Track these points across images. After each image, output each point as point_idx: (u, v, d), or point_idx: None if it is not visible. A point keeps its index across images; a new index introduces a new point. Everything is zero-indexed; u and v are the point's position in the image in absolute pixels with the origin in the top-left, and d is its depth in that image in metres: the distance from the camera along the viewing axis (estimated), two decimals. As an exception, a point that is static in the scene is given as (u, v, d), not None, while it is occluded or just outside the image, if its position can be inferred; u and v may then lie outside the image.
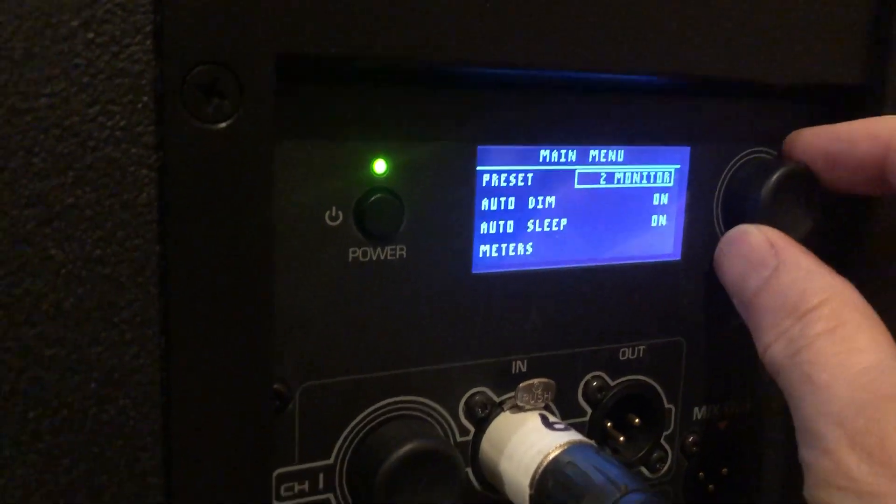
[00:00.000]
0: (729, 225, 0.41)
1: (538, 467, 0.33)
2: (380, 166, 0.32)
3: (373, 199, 0.32)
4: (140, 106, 0.26)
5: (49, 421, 0.26)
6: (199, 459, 0.28)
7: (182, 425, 0.28)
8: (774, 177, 0.39)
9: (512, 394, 0.37)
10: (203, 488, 0.28)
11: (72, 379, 0.26)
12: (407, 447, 0.32)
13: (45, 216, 0.25)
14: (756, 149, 0.41)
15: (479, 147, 0.34)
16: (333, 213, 0.32)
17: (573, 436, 0.34)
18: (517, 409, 0.36)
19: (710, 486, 0.43)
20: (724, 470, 0.43)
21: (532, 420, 0.35)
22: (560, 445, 0.33)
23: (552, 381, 0.37)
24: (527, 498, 0.33)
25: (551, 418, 0.36)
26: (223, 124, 0.26)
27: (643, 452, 0.41)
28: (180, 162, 0.26)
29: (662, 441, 0.41)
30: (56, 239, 0.25)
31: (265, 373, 0.29)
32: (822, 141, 0.39)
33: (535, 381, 0.36)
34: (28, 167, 0.24)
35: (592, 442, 0.35)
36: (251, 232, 0.28)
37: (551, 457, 0.33)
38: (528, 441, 0.34)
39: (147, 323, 0.27)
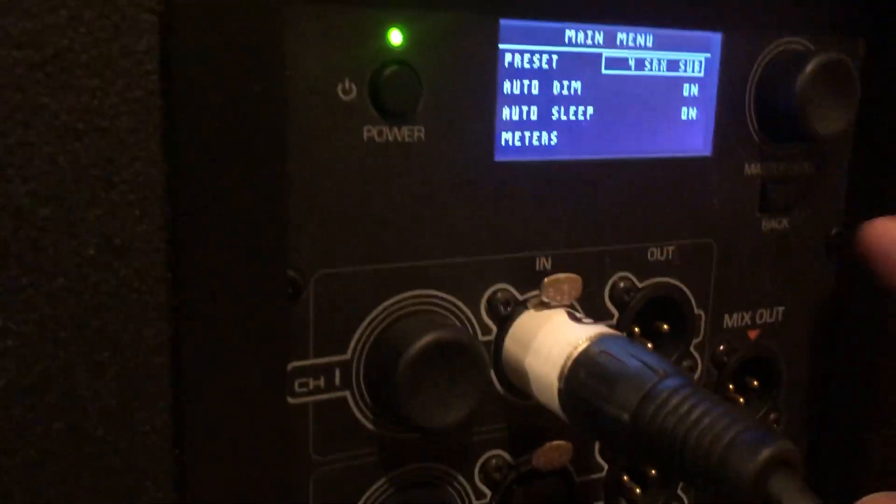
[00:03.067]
0: (762, 120, 0.39)
1: (567, 359, 0.31)
2: (396, 37, 0.30)
3: (388, 71, 0.30)
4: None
5: (45, 289, 0.24)
6: (209, 341, 0.26)
7: (190, 302, 0.26)
8: (809, 68, 0.37)
9: (536, 292, 0.35)
10: (213, 374, 0.27)
11: (68, 243, 0.24)
12: (429, 338, 0.30)
13: (37, 59, 0.23)
14: (790, 38, 0.39)
15: (501, 21, 0.32)
16: (346, 87, 0.30)
17: (603, 328, 0.32)
18: (542, 305, 0.34)
19: (741, 399, 0.41)
20: (755, 382, 0.42)
21: (558, 315, 0.33)
22: (590, 337, 0.31)
23: (578, 277, 0.35)
24: (555, 392, 0.31)
25: (578, 314, 0.34)
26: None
27: (672, 360, 0.39)
28: (184, 6, 0.24)
29: (692, 349, 0.39)
30: (49, 85, 0.23)
31: (279, 250, 0.27)
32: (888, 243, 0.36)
33: (562, 275, 0.34)
34: (17, 3, 0.22)
35: (623, 334, 0.33)
36: (262, 94, 0.26)
37: (581, 348, 0.31)
38: (555, 335, 0.32)
39: (150, 184, 0.25)
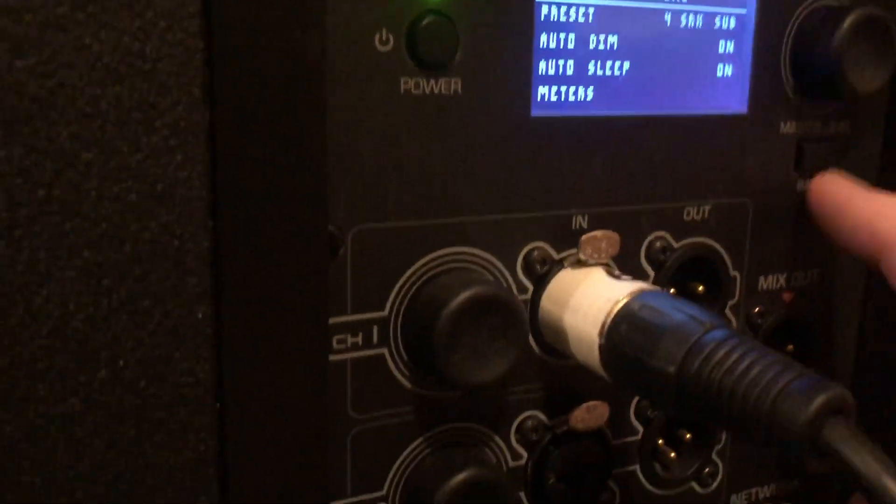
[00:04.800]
0: (798, 77, 0.38)
1: (608, 315, 0.31)
2: (433, -14, 0.30)
3: (426, 21, 0.29)
4: None
5: (87, 234, 0.24)
6: (251, 292, 0.26)
7: (232, 251, 0.25)
8: (847, 23, 0.36)
9: (572, 251, 0.34)
10: (255, 326, 0.26)
11: (110, 188, 0.24)
12: (468, 293, 0.30)
13: (79, -1, 0.22)
14: (827, -7, 0.38)
15: (538, -28, 0.32)
16: (384, 37, 0.29)
17: (643, 283, 0.32)
18: (579, 263, 0.34)
19: (776, 363, 0.41)
20: (790, 346, 0.41)
21: (596, 273, 0.33)
22: (631, 292, 0.31)
23: (616, 235, 0.34)
24: (596, 349, 0.31)
25: (616, 271, 0.34)
26: None
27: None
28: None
29: (727, 311, 0.39)
30: (91, 26, 0.23)
31: (321, 199, 0.27)
32: (831, 204, 0.38)
33: (599, 233, 0.34)
34: (58, -62, 0.22)
35: (664, 289, 0.32)
36: (303, 39, 0.25)
37: (622, 303, 0.31)
38: (594, 291, 0.32)
39: (192, 129, 0.24)
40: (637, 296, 0.31)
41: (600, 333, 0.31)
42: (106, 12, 0.23)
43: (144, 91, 0.23)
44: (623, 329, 0.30)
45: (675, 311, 0.29)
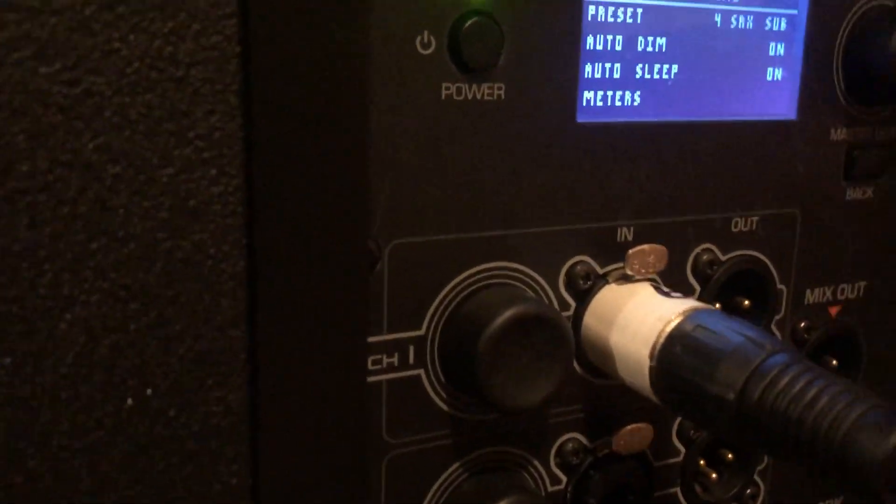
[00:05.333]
0: (850, 81, 0.36)
1: (660, 335, 0.29)
2: (478, -14, 0.28)
3: (470, 23, 0.28)
4: None
5: (114, 255, 0.22)
6: (288, 312, 0.24)
7: (267, 269, 0.24)
8: (903, 25, 0.35)
9: (616, 265, 0.33)
10: (291, 348, 0.24)
11: (139, 205, 0.22)
12: (512, 312, 0.28)
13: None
14: (882, -6, 0.36)
15: (586, -29, 0.30)
16: (425, 39, 0.28)
17: (695, 302, 0.30)
18: (624, 279, 0.32)
19: (821, 379, 0.39)
20: (834, 361, 0.39)
21: (644, 289, 0.31)
22: (683, 311, 0.29)
23: (664, 249, 0.32)
24: (646, 370, 0.29)
25: (664, 288, 0.32)
26: None
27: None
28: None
29: (773, 325, 0.37)
30: (120, 29, 0.21)
31: (361, 215, 0.25)
32: None
33: (647, 247, 0.32)
34: (86, -66, 0.20)
35: (716, 307, 0.31)
36: (345, 43, 0.23)
37: (675, 323, 0.29)
38: (644, 309, 0.30)
39: (227, 140, 0.22)
40: (690, 315, 0.29)
41: (651, 355, 0.29)
42: (136, 14, 0.21)
43: (177, 99, 0.22)
44: (677, 350, 0.28)
45: (732, 332, 0.28)
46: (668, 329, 0.29)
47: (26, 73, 0.20)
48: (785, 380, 0.25)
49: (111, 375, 0.22)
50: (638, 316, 0.30)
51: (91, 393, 0.22)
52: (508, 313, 0.28)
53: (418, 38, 0.27)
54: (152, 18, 0.21)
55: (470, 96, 0.29)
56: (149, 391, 0.23)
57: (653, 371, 0.29)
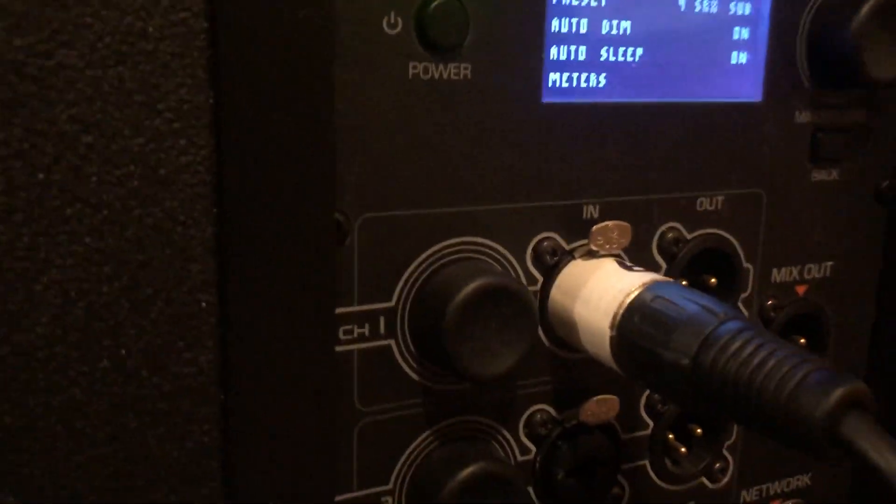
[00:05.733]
0: (814, 65, 0.37)
1: (620, 306, 0.30)
2: (443, -32, 0.29)
3: (436, 3, 0.29)
4: None
5: (88, 220, 0.23)
6: (256, 280, 0.25)
7: (237, 237, 0.25)
8: (865, 9, 0.36)
9: (583, 241, 0.34)
10: (260, 315, 0.26)
11: (112, 173, 0.23)
12: (478, 283, 0.29)
13: (79, -25, 0.22)
14: (844, -21, 0.37)
15: (550, -46, 0.31)
16: (392, 20, 0.29)
17: (655, 275, 0.31)
18: (590, 254, 0.33)
19: (788, 357, 0.40)
20: (802, 340, 0.40)
21: (608, 264, 0.32)
22: (643, 283, 0.30)
23: (628, 225, 0.33)
24: (607, 341, 0.30)
25: (628, 263, 0.33)
26: None
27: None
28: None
29: (739, 304, 0.38)
30: (92, 4, 0.22)
31: (328, 186, 0.26)
32: None
33: (611, 223, 0.33)
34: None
35: (676, 280, 0.32)
36: (310, 19, 0.24)
37: (634, 294, 0.30)
38: (606, 283, 0.31)
39: (195, 112, 0.24)
40: (649, 287, 0.30)
41: (612, 325, 0.30)
42: (107, -9, 0.22)
43: (147, 72, 0.23)
44: (635, 320, 0.29)
45: (688, 302, 0.29)
46: (628, 300, 0.30)
47: (1, 45, 0.21)
48: (736, 345, 0.26)
49: (86, 336, 0.24)
50: (600, 288, 0.31)
51: (66, 352, 0.23)
52: (474, 284, 0.29)
53: (385, 18, 0.29)
54: (122, -6, 0.22)
55: (437, 76, 0.30)
56: (123, 352, 0.24)
57: (613, 341, 0.30)
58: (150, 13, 0.23)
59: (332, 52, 0.25)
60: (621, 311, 0.30)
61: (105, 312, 0.24)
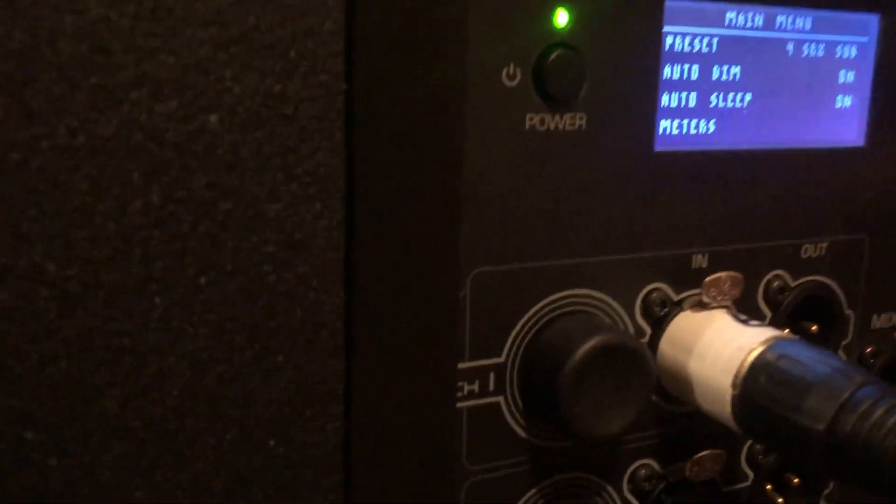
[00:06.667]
0: (919, 107, 0.36)
1: (742, 364, 0.29)
2: (562, 17, 0.28)
3: (554, 55, 0.28)
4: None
5: (222, 288, 0.22)
6: (383, 345, 0.24)
7: (365, 301, 0.24)
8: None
9: (691, 292, 0.33)
10: (386, 378, 0.25)
11: (248, 239, 0.22)
12: (596, 341, 0.28)
13: (222, 39, 0.21)
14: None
15: (666, 3, 0.30)
16: (511, 72, 0.28)
17: (775, 330, 0.30)
18: (700, 306, 0.32)
19: (887, 405, 0.39)
20: (900, 387, 0.39)
21: (721, 317, 0.31)
22: (765, 340, 0.29)
23: (740, 276, 0.32)
24: (728, 399, 0.29)
25: (742, 315, 0.32)
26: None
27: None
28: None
29: (840, 350, 0.37)
30: (234, 67, 0.21)
31: (453, 249, 0.25)
32: None
33: (723, 274, 0.32)
34: (204, -24, 0.20)
35: (798, 337, 0.31)
36: (444, 80, 0.24)
37: (757, 352, 0.29)
38: (723, 338, 0.30)
39: (331, 176, 0.23)
40: (772, 344, 0.29)
41: (734, 384, 0.29)
42: (248, 53, 0.21)
43: (285, 136, 0.22)
44: (762, 380, 0.28)
45: (818, 363, 0.28)
46: (751, 358, 0.29)
47: (143, 111, 0.21)
48: (878, 412, 0.25)
49: (215, 407, 0.23)
50: (717, 344, 0.30)
51: (196, 424, 0.23)
52: (592, 343, 0.28)
53: (504, 70, 0.28)
54: (263, 58, 0.21)
55: (552, 126, 0.29)
56: (251, 422, 0.23)
57: (735, 400, 0.29)
58: (290, 75, 0.22)
59: (462, 115, 0.24)
60: (744, 370, 0.29)
61: (235, 383, 0.23)
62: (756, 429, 0.29)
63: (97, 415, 0.21)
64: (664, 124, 0.31)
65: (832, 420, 0.26)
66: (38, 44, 0.19)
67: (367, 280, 0.24)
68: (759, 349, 0.29)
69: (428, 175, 0.24)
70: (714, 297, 0.32)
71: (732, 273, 0.32)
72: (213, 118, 0.21)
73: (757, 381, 0.28)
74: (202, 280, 0.22)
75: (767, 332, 0.30)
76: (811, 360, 0.28)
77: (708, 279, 0.32)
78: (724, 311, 0.32)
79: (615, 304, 0.31)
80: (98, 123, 0.20)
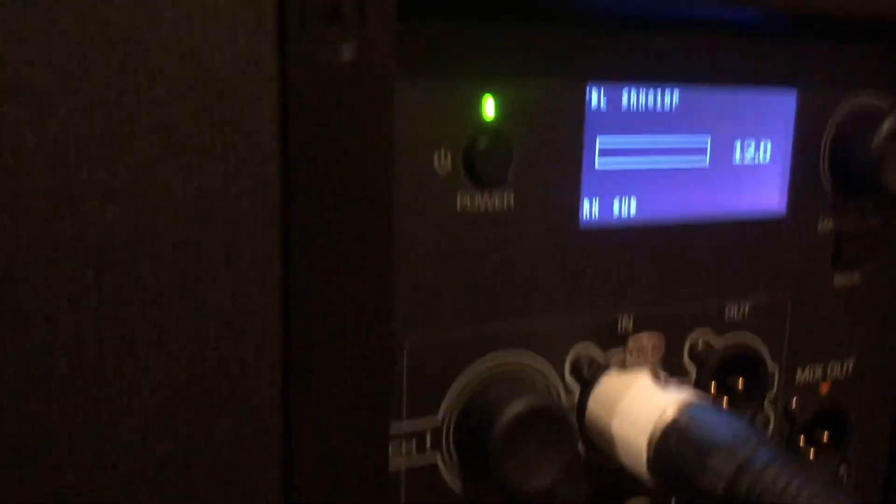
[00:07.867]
0: (836, 177, 0.39)
1: (656, 426, 0.31)
2: (489, 105, 0.31)
3: (483, 140, 0.31)
4: (264, 31, 0.24)
5: (163, 367, 0.25)
6: (318, 432, 0.27)
7: (304, 387, 0.26)
8: (887, 125, 0.37)
9: (618, 351, 0.35)
10: (323, 448, 0.27)
11: (188, 323, 0.25)
12: (522, 404, 0.31)
13: (165, 144, 0.23)
14: (866, 95, 0.39)
15: (588, 86, 0.33)
16: (442, 157, 0.30)
17: (688, 393, 0.33)
18: (624, 367, 0.35)
19: (812, 450, 0.41)
20: (825, 435, 0.42)
21: (642, 378, 0.34)
22: (679, 403, 0.32)
23: (662, 336, 0.35)
24: (643, 458, 0.32)
25: (661, 375, 0.34)
26: (345, 54, 0.25)
27: (746, 416, 0.39)
28: (301, 89, 0.24)
29: (766, 403, 0.40)
30: (175, 168, 0.24)
31: (385, 320, 0.27)
32: None
33: (645, 335, 0.35)
34: (150, 93, 0.23)
35: (709, 399, 0.33)
36: (373, 169, 0.26)
37: (670, 415, 0.31)
38: (641, 399, 0.33)
39: (268, 262, 0.25)
40: (686, 407, 0.32)
41: (649, 444, 0.31)
42: (189, 158, 0.24)
43: (227, 231, 0.24)
44: (672, 441, 0.31)
45: (721, 427, 0.30)
46: (665, 420, 0.31)
47: (97, 215, 0.23)
48: (770, 474, 0.28)
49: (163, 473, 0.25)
50: (636, 406, 0.33)
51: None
52: (519, 405, 0.31)
53: (436, 155, 0.30)
54: (203, 162, 0.24)
55: (482, 206, 0.31)
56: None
57: (650, 458, 0.31)
58: (231, 177, 0.24)
59: (391, 203, 0.27)
60: (658, 432, 0.31)
61: (181, 459, 0.25)
62: (669, 484, 0.31)
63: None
64: (587, 203, 0.34)
65: (730, 480, 0.28)
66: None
67: (305, 364, 0.26)
68: (672, 412, 0.32)
69: (360, 256, 0.26)
70: (637, 358, 0.34)
71: (653, 334, 0.35)
72: (157, 216, 0.24)
73: (668, 441, 0.31)
74: (150, 363, 0.24)
75: (681, 396, 0.32)
76: (715, 425, 0.30)
77: (631, 342, 0.34)
78: (646, 371, 0.34)
79: (546, 366, 0.34)
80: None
